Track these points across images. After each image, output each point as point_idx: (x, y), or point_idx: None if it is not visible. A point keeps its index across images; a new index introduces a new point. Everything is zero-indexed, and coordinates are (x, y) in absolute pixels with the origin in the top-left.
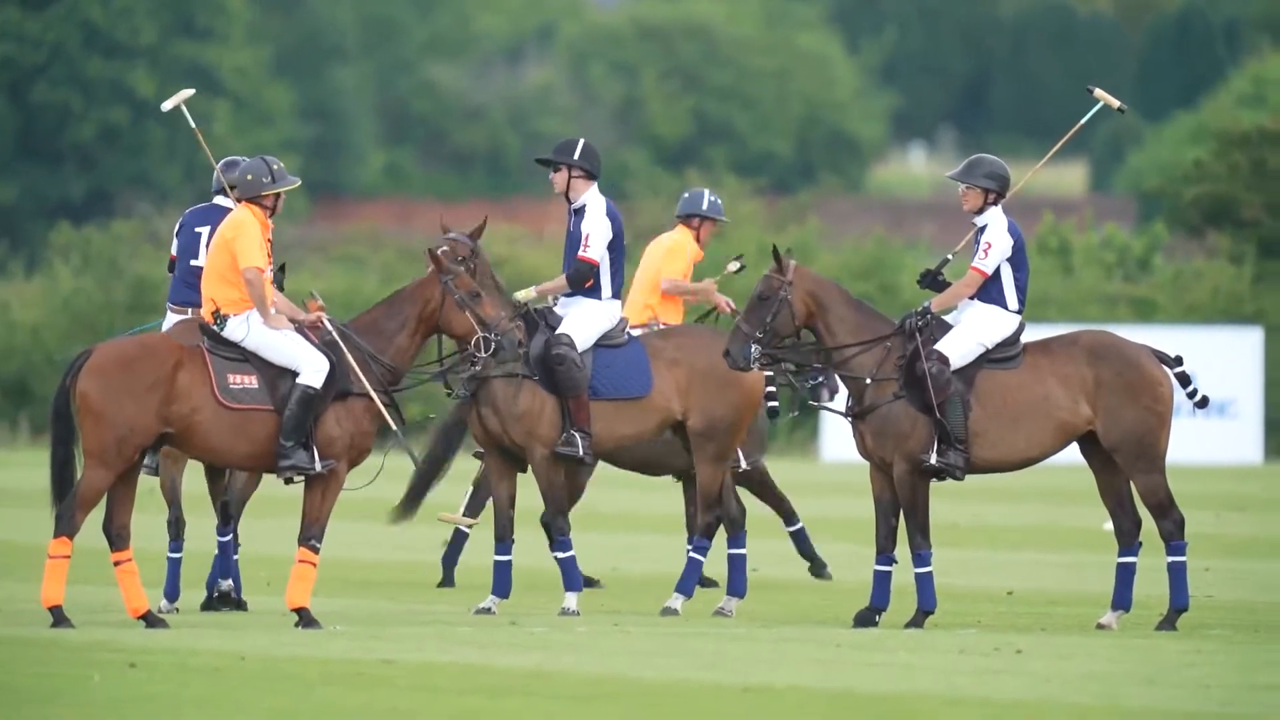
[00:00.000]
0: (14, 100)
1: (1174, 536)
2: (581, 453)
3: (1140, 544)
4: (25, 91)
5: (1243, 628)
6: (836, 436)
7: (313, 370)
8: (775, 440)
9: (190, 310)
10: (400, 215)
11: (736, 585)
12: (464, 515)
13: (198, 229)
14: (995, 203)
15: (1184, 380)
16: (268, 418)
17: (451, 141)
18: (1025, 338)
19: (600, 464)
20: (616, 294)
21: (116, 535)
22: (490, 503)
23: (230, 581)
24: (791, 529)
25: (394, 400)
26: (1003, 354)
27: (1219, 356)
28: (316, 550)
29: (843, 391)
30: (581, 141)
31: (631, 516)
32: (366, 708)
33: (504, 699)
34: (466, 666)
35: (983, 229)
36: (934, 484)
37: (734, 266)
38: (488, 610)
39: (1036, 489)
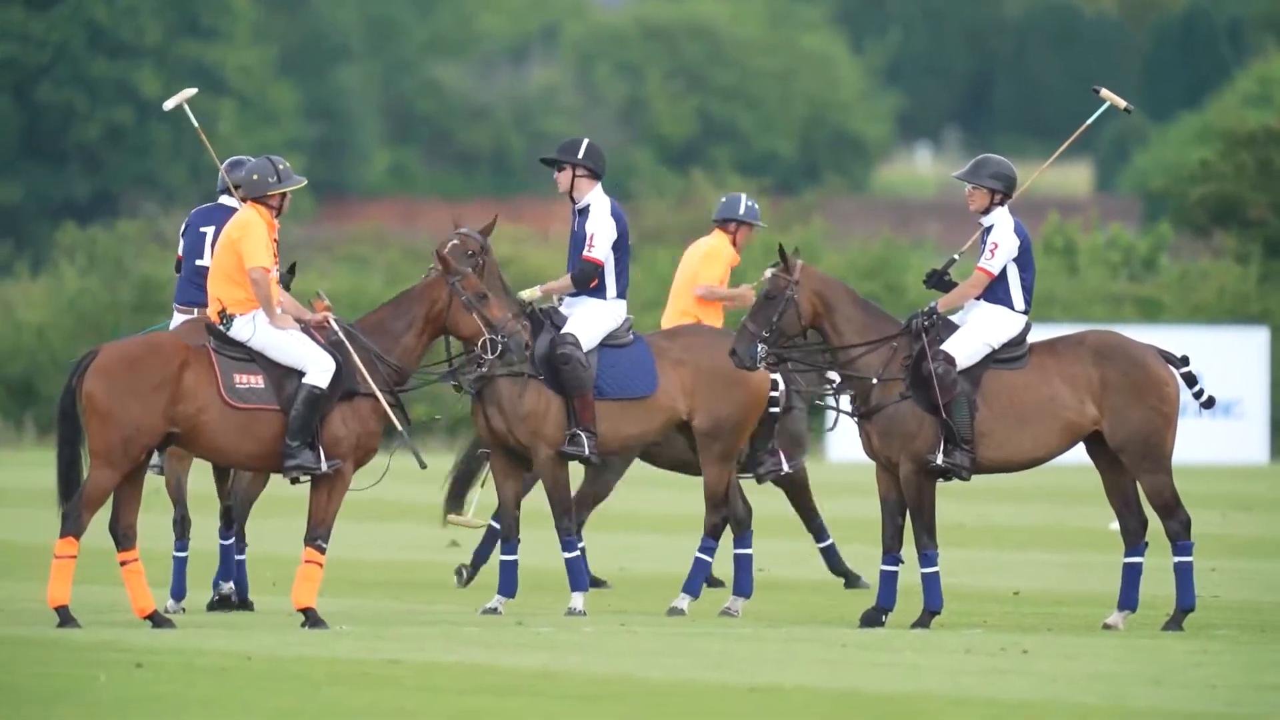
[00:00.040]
0: (19, 100)
1: (1180, 536)
2: (586, 452)
3: (1146, 544)
4: (30, 91)
5: (1249, 628)
6: (843, 436)
7: (319, 370)
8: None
9: (196, 310)
10: (405, 215)
11: (743, 585)
12: (460, 514)
13: (203, 229)
14: (1001, 203)
15: (1190, 380)
16: (274, 418)
17: (456, 141)
18: (1031, 338)
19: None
20: (621, 294)
21: (123, 535)
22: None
23: (231, 584)
24: (822, 545)
25: (400, 401)
26: (1009, 354)
27: (1225, 356)
28: (323, 550)
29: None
30: (586, 141)
31: (638, 517)
32: (372, 708)
33: (510, 699)
34: (473, 666)
35: (989, 229)
36: (940, 484)
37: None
38: (494, 610)
39: (1043, 489)
